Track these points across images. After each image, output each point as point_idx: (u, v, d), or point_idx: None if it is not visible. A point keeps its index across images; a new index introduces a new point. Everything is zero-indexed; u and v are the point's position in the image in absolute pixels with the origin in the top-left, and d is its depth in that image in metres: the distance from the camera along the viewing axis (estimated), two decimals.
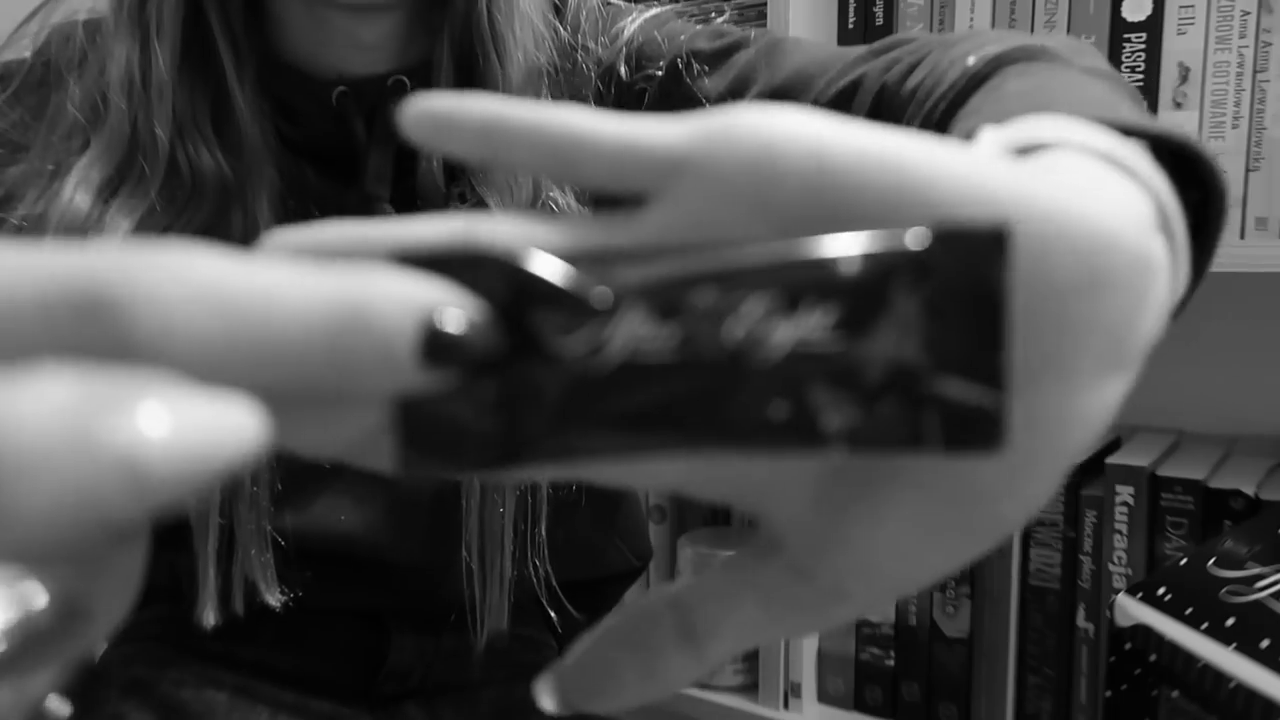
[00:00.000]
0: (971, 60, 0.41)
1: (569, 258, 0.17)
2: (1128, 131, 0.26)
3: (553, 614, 0.62)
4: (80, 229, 0.52)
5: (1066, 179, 0.22)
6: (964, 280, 0.17)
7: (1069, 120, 0.26)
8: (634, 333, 0.16)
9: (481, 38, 0.54)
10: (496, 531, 0.57)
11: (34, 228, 0.52)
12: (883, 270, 0.17)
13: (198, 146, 0.52)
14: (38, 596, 0.13)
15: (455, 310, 0.16)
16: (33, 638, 0.13)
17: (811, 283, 0.17)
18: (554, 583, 0.60)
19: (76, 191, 0.52)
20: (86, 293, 0.14)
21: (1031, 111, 0.28)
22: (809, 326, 0.17)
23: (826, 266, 0.17)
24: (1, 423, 0.12)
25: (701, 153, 0.20)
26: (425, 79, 0.56)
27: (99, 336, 0.14)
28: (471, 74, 0.56)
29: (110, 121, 0.53)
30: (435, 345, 0.15)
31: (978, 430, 0.17)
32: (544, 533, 0.59)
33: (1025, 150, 0.25)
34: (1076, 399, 0.21)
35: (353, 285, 0.15)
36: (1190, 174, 0.30)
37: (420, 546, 0.60)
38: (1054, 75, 0.36)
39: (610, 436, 0.17)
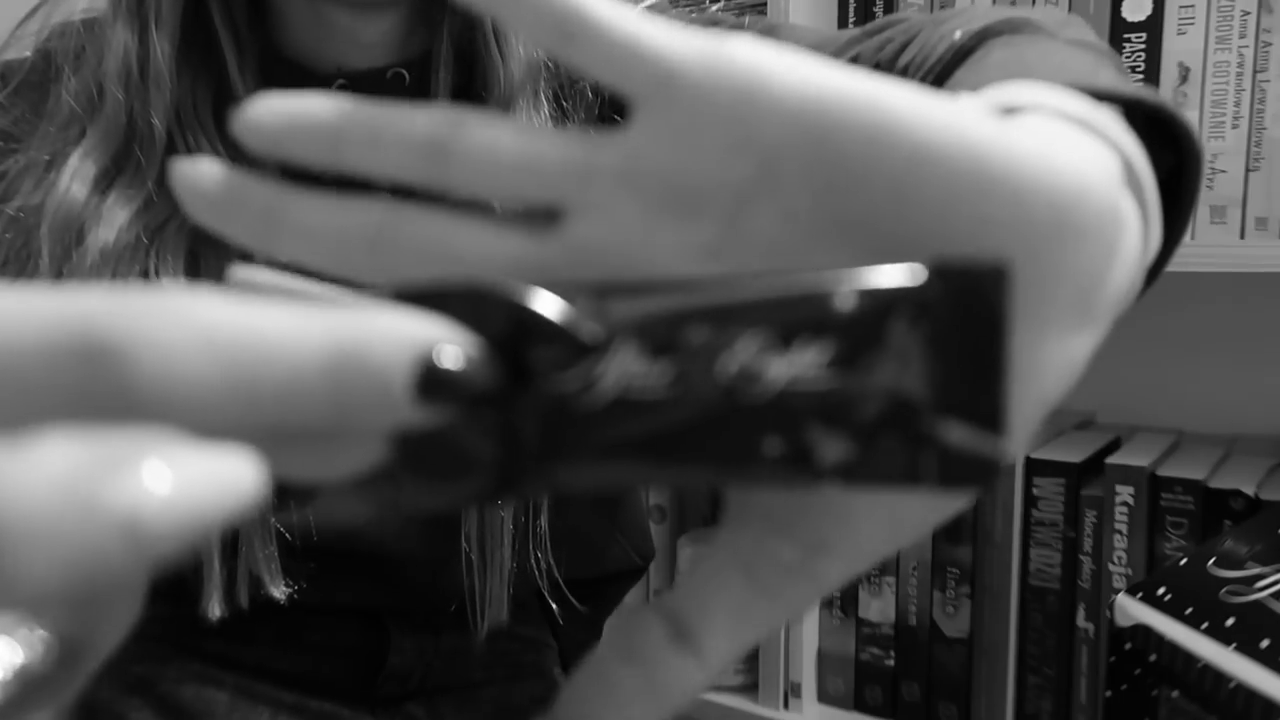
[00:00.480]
0: (958, 35, 0.41)
1: (565, 293, 0.17)
2: (1103, 97, 0.27)
3: (554, 606, 0.62)
4: (77, 220, 0.51)
5: (1039, 135, 0.22)
6: (963, 318, 0.17)
7: (1043, 86, 0.26)
8: (626, 369, 0.17)
9: (483, 31, 0.55)
10: (496, 522, 0.57)
11: (30, 218, 0.52)
12: (879, 307, 0.17)
13: (198, 138, 0.52)
14: (37, 643, 0.13)
15: (450, 347, 0.16)
16: (32, 684, 0.13)
17: (806, 320, 0.17)
18: (556, 576, 0.60)
19: (73, 182, 0.52)
20: (88, 337, 0.14)
21: (1010, 79, 0.28)
22: (803, 363, 0.17)
23: (821, 303, 0.17)
24: (4, 493, 0.12)
25: (695, 69, 0.20)
26: (425, 71, 0.56)
27: (100, 381, 0.14)
28: (472, 67, 0.56)
29: (107, 112, 0.53)
30: (431, 383, 0.15)
31: (972, 471, 0.17)
32: (545, 525, 0.59)
33: (1000, 113, 0.25)
34: (1046, 347, 0.21)
35: (349, 325, 0.15)
36: (1170, 137, 0.30)
37: (420, 538, 0.60)
38: (1035, 45, 0.36)
39: (602, 470, 0.17)
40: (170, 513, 0.13)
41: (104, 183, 0.52)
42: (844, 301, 0.17)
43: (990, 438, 0.17)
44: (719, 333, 0.16)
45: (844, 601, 0.94)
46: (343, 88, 0.55)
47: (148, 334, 0.14)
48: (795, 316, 0.16)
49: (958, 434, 0.17)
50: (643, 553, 0.73)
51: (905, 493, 0.18)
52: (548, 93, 0.57)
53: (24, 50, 0.58)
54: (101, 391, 0.14)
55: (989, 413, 0.17)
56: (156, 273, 0.52)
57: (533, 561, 0.59)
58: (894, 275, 0.17)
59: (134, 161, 0.52)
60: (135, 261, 0.51)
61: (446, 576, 0.59)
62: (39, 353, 0.14)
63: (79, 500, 0.12)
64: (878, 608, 0.92)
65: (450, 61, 0.55)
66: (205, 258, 0.53)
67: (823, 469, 0.17)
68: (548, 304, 0.17)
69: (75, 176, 0.52)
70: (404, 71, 0.55)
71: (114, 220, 0.52)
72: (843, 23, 0.90)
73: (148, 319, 0.14)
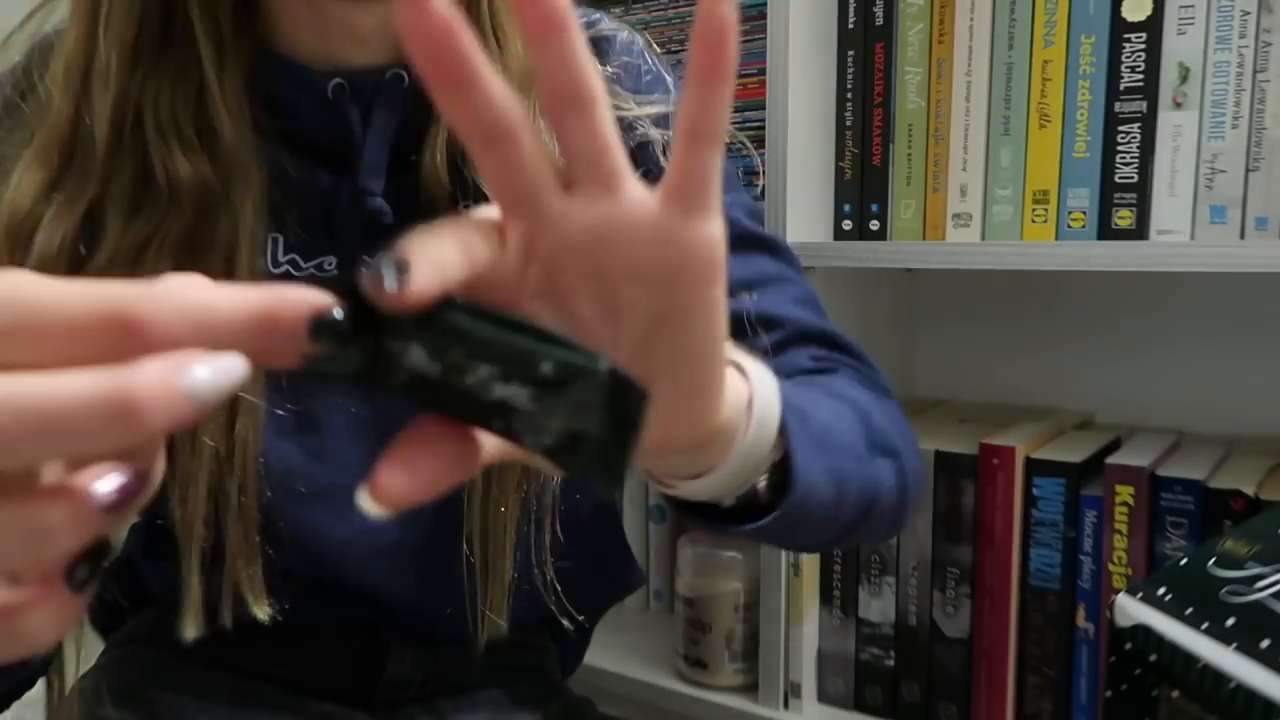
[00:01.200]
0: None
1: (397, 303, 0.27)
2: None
3: (554, 604, 0.61)
4: (22, 226, 0.51)
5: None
6: (617, 404, 0.27)
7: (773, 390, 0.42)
8: (417, 359, 0.27)
9: (481, 27, 0.54)
10: (500, 531, 0.57)
11: None
12: (567, 373, 0.27)
13: (173, 151, 0.52)
14: (129, 472, 0.25)
15: (330, 309, 0.26)
16: (129, 497, 0.25)
17: (521, 370, 0.27)
18: (560, 596, 0.60)
19: (19, 187, 0.51)
20: (119, 313, 0.24)
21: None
22: (513, 392, 0.27)
23: (533, 362, 0.27)
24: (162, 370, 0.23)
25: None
26: None
27: (125, 340, 0.24)
28: None
29: (52, 115, 0.52)
30: (317, 327, 0.26)
31: (599, 488, 0.29)
32: (548, 538, 0.59)
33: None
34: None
35: (274, 295, 0.25)
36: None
37: (414, 576, 0.59)
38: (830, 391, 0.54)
39: (414, 401, 0.28)
40: (212, 378, 0.23)
41: (50, 187, 0.52)
42: (547, 365, 0.27)
43: (614, 482, 0.28)
44: (469, 358, 0.27)
45: (844, 601, 0.94)
46: (339, 87, 0.55)
47: (150, 311, 0.24)
48: (516, 366, 0.27)
49: (596, 463, 0.28)
50: (639, 579, 0.74)
51: (556, 471, 0.30)
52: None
53: (14, 58, 0.58)
54: (125, 348, 0.23)
55: (618, 468, 0.28)
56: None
57: (537, 573, 0.59)
58: (585, 357, 0.27)
59: (77, 165, 0.52)
60: (125, 272, 0.51)
61: (446, 599, 0.59)
62: (88, 323, 0.24)
63: (178, 371, 0.23)
64: (878, 608, 0.92)
65: None
66: (200, 269, 0.52)
67: (523, 443, 0.28)
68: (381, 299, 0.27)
69: (22, 181, 0.51)
70: (403, 71, 0.55)
71: (58, 225, 0.51)
72: (843, 26, 0.90)
73: (150, 301, 0.24)
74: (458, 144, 0.56)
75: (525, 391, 0.27)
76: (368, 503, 0.27)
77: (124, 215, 0.52)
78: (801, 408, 0.46)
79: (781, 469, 0.44)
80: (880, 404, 0.56)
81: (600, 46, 0.61)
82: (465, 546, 0.57)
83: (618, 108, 0.59)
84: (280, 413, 0.56)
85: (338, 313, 0.26)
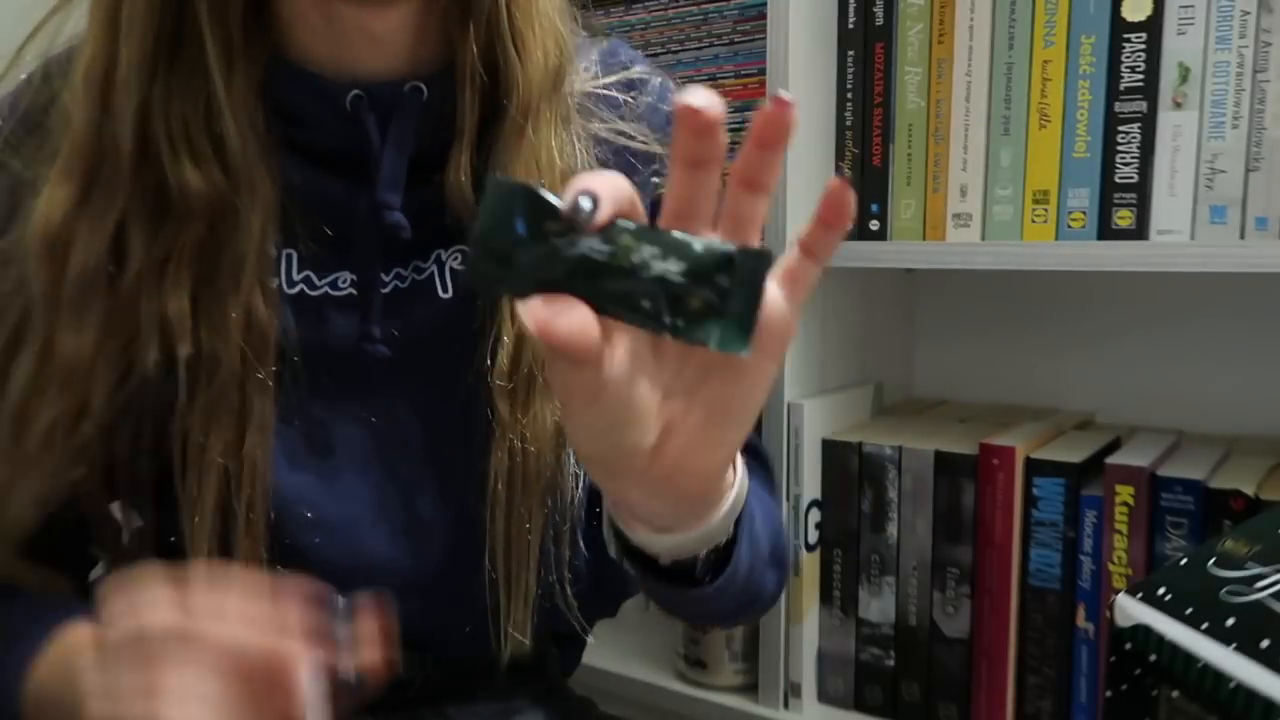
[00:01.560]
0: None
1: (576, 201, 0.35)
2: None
3: (574, 619, 0.62)
4: (56, 243, 0.51)
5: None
6: (748, 271, 0.35)
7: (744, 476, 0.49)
8: (590, 245, 0.35)
9: (501, 36, 0.54)
10: (523, 546, 0.56)
11: (17, 249, 0.52)
12: (711, 252, 0.35)
13: (183, 161, 0.51)
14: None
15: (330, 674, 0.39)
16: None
17: (677, 250, 0.35)
18: (576, 611, 0.60)
19: (49, 205, 0.51)
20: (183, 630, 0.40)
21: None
22: (670, 268, 0.35)
23: (686, 244, 0.35)
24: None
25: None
26: (445, 85, 0.55)
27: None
28: (494, 75, 0.55)
29: (75, 128, 0.52)
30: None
31: (735, 343, 0.35)
32: (567, 552, 0.59)
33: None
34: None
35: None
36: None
37: (428, 595, 0.59)
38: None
39: (570, 284, 0.35)
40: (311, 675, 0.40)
41: (79, 201, 0.51)
42: (696, 246, 0.35)
43: (746, 327, 0.35)
44: (636, 242, 0.35)
45: (844, 601, 0.94)
46: (358, 99, 0.54)
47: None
48: (672, 249, 0.35)
49: (729, 327, 0.35)
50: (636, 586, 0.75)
51: (699, 346, 0.36)
52: (565, 105, 0.57)
53: (28, 69, 0.57)
54: None
55: (750, 317, 0.35)
56: (166, 302, 0.51)
57: (556, 587, 0.59)
58: (722, 243, 0.35)
59: (104, 177, 0.52)
60: (152, 289, 0.51)
61: (458, 622, 0.58)
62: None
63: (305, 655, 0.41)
64: (878, 608, 0.92)
65: (477, 74, 0.54)
66: (213, 284, 0.53)
67: (663, 323, 0.35)
68: (557, 200, 0.35)
69: (51, 197, 0.51)
70: (422, 86, 0.55)
71: (92, 240, 0.51)
72: (843, 26, 0.90)
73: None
74: (480, 161, 0.56)
75: (679, 266, 0.35)
76: (530, 322, 0.33)
77: (145, 230, 0.52)
78: (752, 510, 0.53)
79: (718, 552, 0.49)
80: (778, 513, 0.66)
81: (633, 85, 0.64)
82: (488, 563, 0.56)
83: (634, 138, 0.62)
84: (293, 443, 0.55)
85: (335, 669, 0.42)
